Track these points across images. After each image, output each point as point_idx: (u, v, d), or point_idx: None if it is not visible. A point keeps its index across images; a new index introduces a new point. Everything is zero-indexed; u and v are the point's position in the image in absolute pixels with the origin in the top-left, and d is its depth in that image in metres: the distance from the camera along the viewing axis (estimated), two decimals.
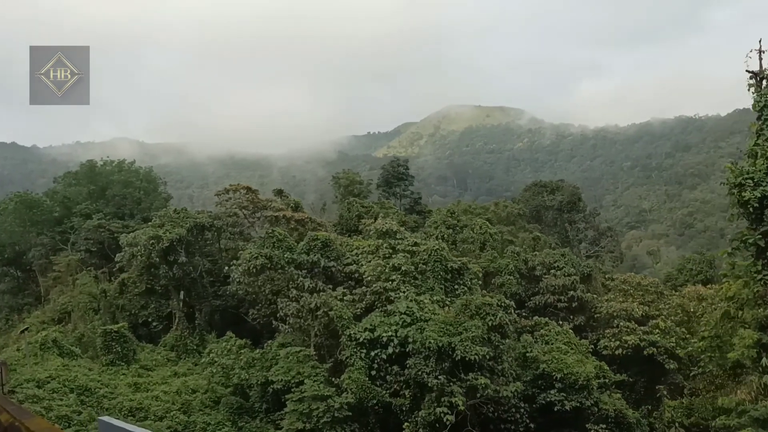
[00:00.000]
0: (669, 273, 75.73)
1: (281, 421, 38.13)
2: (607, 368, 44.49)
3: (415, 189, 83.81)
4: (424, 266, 43.45)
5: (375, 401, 37.02)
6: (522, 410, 38.89)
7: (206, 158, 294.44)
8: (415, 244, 45.37)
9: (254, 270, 44.03)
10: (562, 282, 53.69)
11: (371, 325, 38.76)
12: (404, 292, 40.91)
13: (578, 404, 39.14)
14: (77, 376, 41.16)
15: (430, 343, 35.47)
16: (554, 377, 39.97)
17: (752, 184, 27.45)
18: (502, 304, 39.49)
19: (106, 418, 7.18)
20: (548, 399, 39.65)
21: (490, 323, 37.19)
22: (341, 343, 39.25)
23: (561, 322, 50.19)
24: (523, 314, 51.32)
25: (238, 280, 45.35)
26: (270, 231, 46.64)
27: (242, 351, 42.30)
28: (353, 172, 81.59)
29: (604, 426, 39.53)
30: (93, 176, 76.39)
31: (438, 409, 34.23)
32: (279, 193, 64.15)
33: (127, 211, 72.85)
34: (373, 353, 38.13)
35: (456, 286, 43.95)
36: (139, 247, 52.55)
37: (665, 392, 45.94)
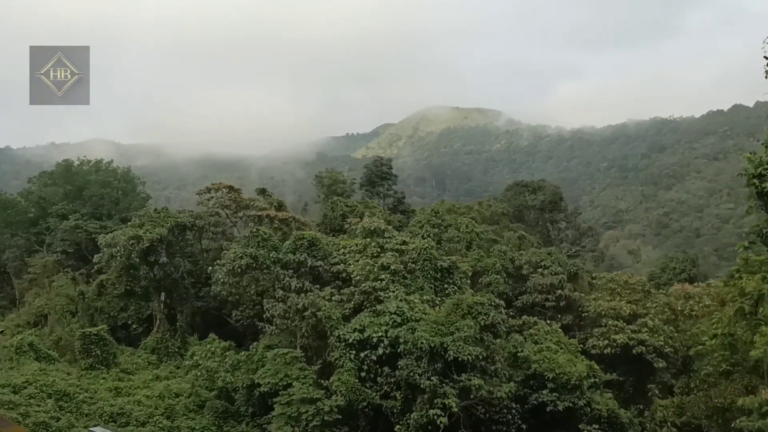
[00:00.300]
0: (652, 272, 75.69)
1: (268, 425, 37.19)
2: (597, 367, 44.03)
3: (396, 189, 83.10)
4: (414, 265, 42.64)
5: (365, 403, 36.15)
6: (514, 411, 38.24)
7: (184, 159, 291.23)
8: (404, 242, 44.55)
9: (239, 270, 42.89)
10: (549, 281, 53.27)
11: (360, 325, 37.86)
12: (394, 291, 40.05)
13: (571, 404, 38.59)
14: (55, 380, 39.81)
15: (422, 343, 34.66)
16: (546, 377, 39.37)
17: None
18: (493, 303, 38.80)
19: (97, 429, 6.28)
20: (540, 399, 39.04)
21: (482, 322, 36.49)
22: (330, 344, 38.32)
23: (549, 322, 49.74)
24: (511, 313, 50.70)
25: (222, 280, 44.15)
26: (254, 230, 45.51)
27: (227, 353, 41.17)
28: (336, 171, 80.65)
29: (596, 426, 39.07)
30: (69, 176, 74.66)
31: (431, 411, 33.46)
32: (262, 192, 63.00)
33: (105, 212, 71.27)
34: (362, 354, 37.23)
35: (446, 286, 43.20)
36: (118, 248, 51.19)
37: (656, 391, 45.59)
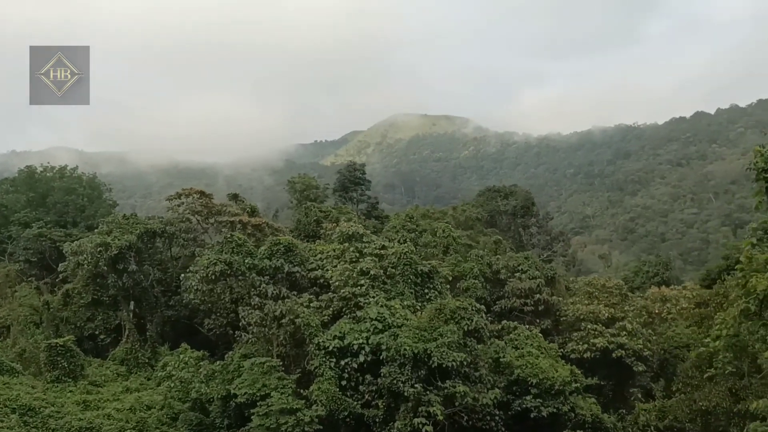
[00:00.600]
0: (625, 275, 75.97)
1: None
2: (579, 372, 43.55)
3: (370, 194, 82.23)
4: (394, 270, 41.74)
5: (346, 413, 35.06)
6: (497, 418, 37.44)
7: (149, 167, 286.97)
8: (383, 247, 43.64)
9: (213, 277, 41.54)
10: (527, 285, 52.74)
11: (340, 332, 36.80)
12: (374, 297, 39.10)
13: (555, 410, 38.01)
14: (19, 394, 37.92)
15: (405, 349, 33.74)
16: (529, 383, 38.77)
17: None
18: (475, 308, 38.06)
19: None
20: (524, 405, 38.40)
21: (465, 328, 35.71)
22: (309, 352, 37.16)
23: (528, 326, 49.22)
24: (489, 318, 49.95)
25: (195, 287, 42.69)
26: (228, 235, 44.16)
27: (201, 363, 39.74)
28: (309, 176, 79.39)
29: None
30: (32, 183, 72.35)
31: (415, 420, 32.53)
32: (234, 197, 61.47)
33: (70, 219, 69.15)
34: (343, 362, 36.18)
35: (426, 291, 42.37)
36: (85, 256, 49.37)
37: (639, 395, 45.27)
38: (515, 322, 48.73)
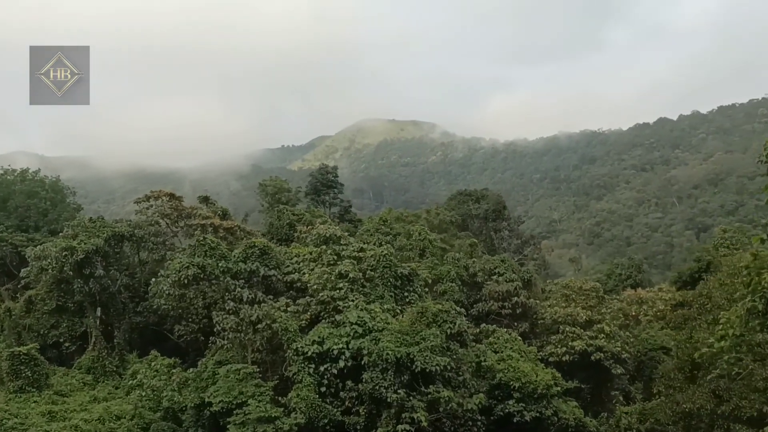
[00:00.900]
0: (598, 278, 76.03)
1: None
2: (559, 375, 43.02)
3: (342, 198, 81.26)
4: (373, 273, 40.75)
5: (326, 420, 33.95)
6: (479, 423, 36.63)
7: (113, 172, 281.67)
8: (361, 249, 42.63)
9: (185, 281, 40.04)
10: (505, 288, 52.15)
11: (319, 337, 35.70)
12: (353, 300, 38.03)
13: (538, 414, 37.34)
14: None
15: (387, 354, 32.77)
16: (512, 387, 38.03)
17: None
18: (457, 311, 37.27)
19: None
20: (507, 410, 37.61)
21: (448, 331, 34.88)
22: (287, 358, 35.91)
23: (507, 330, 48.60)
24: (467, 322, 49.36)
25: (166, 292, 41.13)
26: (201, 238, 42.70)
27: (173, 371, 38.22)
28: (281, 179, 77.99)
29: None
30: None
31: (399, 426, 31.57)
32: (205, 200, 59.87)
33: (32, 224, 66.63)
34: (322, 368, 35.09)
35: (406, 294, 41.48)
36: (49, 260, 47.42)
37: (621, 397, 44.90)
38: (494, 326, 48.10)
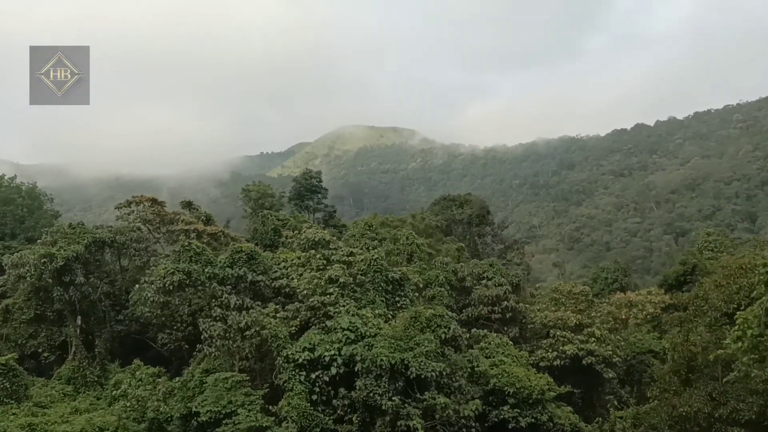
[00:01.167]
0: (584, 282, 75.71)
1: None
2: (552, 380, 42.39)
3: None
4: (363, 277, 39.83)
5: (318, 429, 32.89)
6: (474, 430, 35.83)
7: (89, 180, 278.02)
8: (351, 254, 41.73)
9: (170, 287, 38.82)
10: (494, 292, 51.51)
11: (310, 343, 34.70)
12: (344, 306, 37.08)
13: (533, 420, 36.62)
14: None
15: (381, 360, 31.89)
16: (506, 392, 37.27)
17: None
18: (450, 316, 36.51)
19: None
20: (501, 416, 36.81)
21: (442, 336, 34.10)
22: (277, 365, 34.83)
23: (497, 334, 47.95)
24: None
25: (151, 299, 39.90)
26: (186, 243, 41.53)
27: (158, 380, 37.00)
28: (264, 184, 76.91)
29: None
30: None
31: None
32: (188, 205, 58.63)
33: (8, 231, 65.02)
34: (313, 375, 34.05)
35: (397, 298, 40.63)
36: (27, 268, 45.96)
37: (615, 402, 44.35)
38: (484, 330, 47.40)
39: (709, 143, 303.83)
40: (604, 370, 48.01)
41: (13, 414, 37.65)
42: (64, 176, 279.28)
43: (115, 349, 50.23)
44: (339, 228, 72.48)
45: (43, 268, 45.73)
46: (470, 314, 51.78)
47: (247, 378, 34.68)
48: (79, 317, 48.66)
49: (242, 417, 31.90)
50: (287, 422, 32.18)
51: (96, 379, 45.98)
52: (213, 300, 38.94)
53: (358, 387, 32.60)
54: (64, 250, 46.44)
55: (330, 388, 34.05)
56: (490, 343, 44.34)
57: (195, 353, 41.69)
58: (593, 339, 48.73)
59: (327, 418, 33.37)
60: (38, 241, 51.30)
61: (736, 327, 17.43)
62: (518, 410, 36.72)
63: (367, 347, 33.39)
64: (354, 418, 32.99)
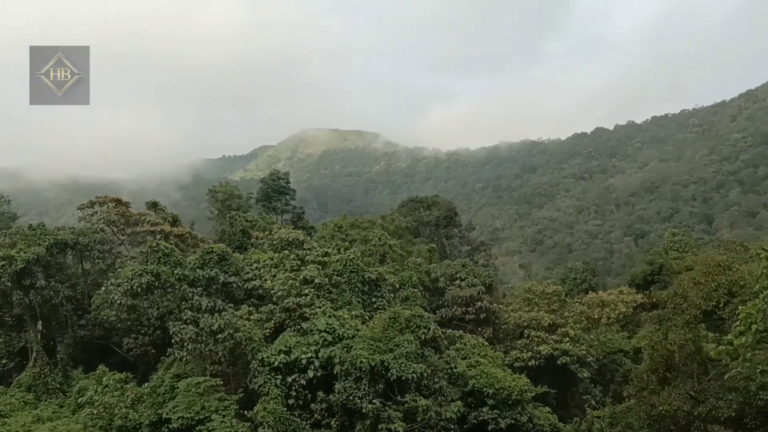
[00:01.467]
0: (554, 283, 75.87)
1: None
2: (528, 381, 42.00)
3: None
4: (339, 278, 38.90)
5: None
6: None
7: (46, 183, 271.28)
8: (326, 254, 40.76)
9: (138, 290, 37.35)
10: (468, 293, 51.06)
11: (286, 346, 33.63)
12: (320, 307, 36.09)
13: (513, 421, 36.12)
14: None
15: (361, 362, 31.00)
16: (485, 393, 36.69)
17: None
18: (428, 317, 35.80)
19: None
20: (481, 417, 36.20)
21: (422, 337, 33.36)
22: (252, 369, 33.68)
23: (472, 335, 47.48)
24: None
25: (118, 302, 38.35)
26: (154, 244, 40.07)
27: (126, 386, 35.51)
28: (231, 185, 75.38)
29: None
30: None
31: None
32: (153, 206, 56.95)
33: None
34: (290, 379, 32.98)
35: (374, 299, 39.83)
36: None
37: (593, 402, 44.14)
38: (459, 331, 46.88)
39: (667, 147, 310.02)
40: (579, 369, 47.88)
41: None
42: (18, 180, 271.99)
43: (77, 355, 48.32)
44: (308, 230, 71.30)
45: (1, 271, 43.73)
46: (444, 315, 51.22)
47: (221, 383, 33.45)
48: (39, 322, 46.65)
49: (216, 423, 30.72)
50: (263, 428, 31.08)
51: (58, 386, 44.08)
52: (183, 302, 37.61)
53: (336, 390, 31.67)
54: (24, 253, 44.51)
55: (307, 391, 33.05)
56: (465, 344, 43.84)
57: (163, 358, 40.27)
58: (567, 339, 48.58)
59: (304, 423, 32.36)
60: None
61: (739, 322, 17.09)
62: (498, 411, 36.18)
63: (345, 349, 32.49)
64: (333, 423, 32.03)
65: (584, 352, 48.23)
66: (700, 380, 34.89)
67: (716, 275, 33.00)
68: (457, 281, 52.76)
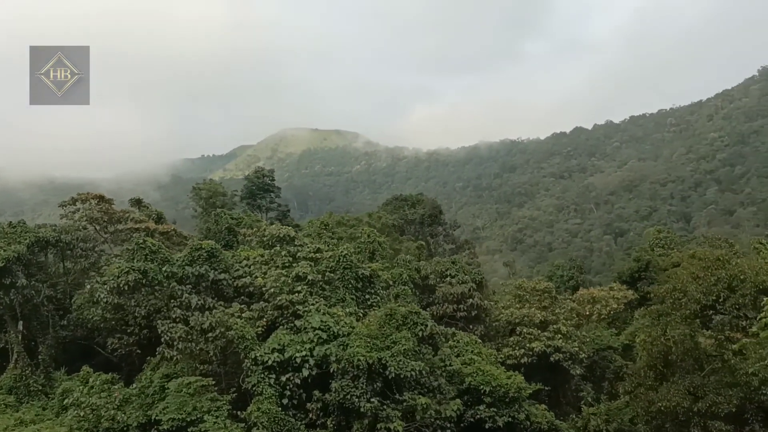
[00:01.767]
0: (541, 280, 75.62)
1: None
2: (523, 378, 41.47)
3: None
4: (332, 275, 38.07)
5: None
6: (448, 431, 34.45)
7: (21, 183, 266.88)
8: (318, 250, 39.91)
9: (125, 287, 36.21)
10: (459, 290, 50.48)
11: (279, 344, 32.74)
12: (313, 304, 35.21)
13: (510, 419, 35.49)
14: None
15: (358, 360, 30.20)
16: (482, 391, 36.04)
17: None
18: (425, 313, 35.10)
19: None
20: (478, 416, 35.52)
21: (420, 334, 32.65)
22: (244, 368, 32.72)
23: (464, 333, 46.90)
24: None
25: (104, 300, 37.18)
26: (141, 241, 38.92)
27: (113, 387, 34.39)
28: (216, 183, 74.19)
29: None
30: None
31: None
32: (137, 203, 55.68)
33: None
34: (284, 378, 32.10)
35: (367, 296, 39.05)
36: None
37: (589, 399, 43.76)
38: (452, 329, 46.28)
39: (645, 146, 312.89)
40: (571, 366, 47.53)
41: None
42: None
43: (59, 356, 47.02)
44: (293, 228, 70.35)
45: None
46: (435, 313, 50.50)
47: (213, 382, 32.47)
48: (20, 322, 45.27)
49: (209, 424, 29.77)
50: (257, 428, 30.21)
51: (40, 388, 42.76)
52: (172, 300, 36.53)
53: (333, 389, 30.84)
54: (4, 251, 43.11)
55: (302, 391, 32.20)
56: (458, 342, 43.26)
57: (149, 358, 39.17)
58: (559, 335, 48.23)
59: (299, 423, 31.52)
60: None
61: (763, 313, 16.58)
62: (495, 409, 35.53)
63: (341, 347, 31.70)
64: (328, 422, 31.20)
65: (577, 349, 47.89)
66: (700, 376, 34.64)
67: (715, 269, 32.67)
68: (448, 278, 52.14)
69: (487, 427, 35.42)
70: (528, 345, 47.33)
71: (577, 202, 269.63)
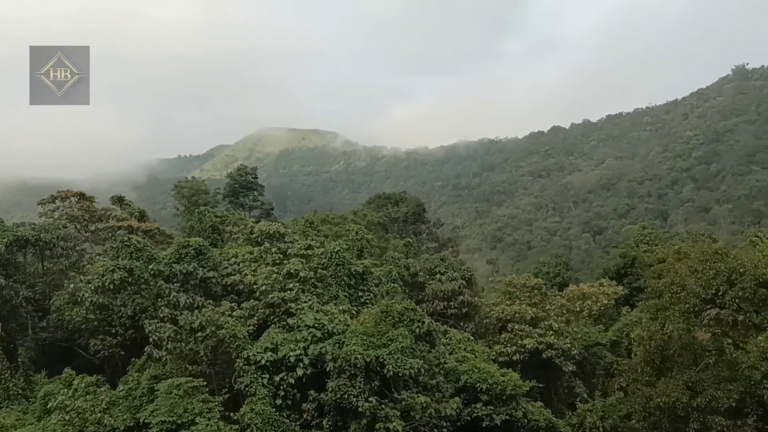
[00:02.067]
0: (530, 276, 75.38)
1: None
2: (518, 375, 40.91)
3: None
4: (324, 272, 37.17)
5: None
6: (445, 430, 33.74)
7: None
8: (309, 247, 38.98)
9: (111, 286, 35.01)
10: (450, 287, 49.83)
11: (272, 343, 31.77)
12: (306, 302, 34.29)
13: (508, 417, 34.86)
14: None
15: (355, 358, 29.35)
16: (479, 389, 35.38)
17: None
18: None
19: None
20: (474, 414, 34.84)
21: (417, 331, 31.90)
22: (236, 368, 31.71)
23: (456, 330, 46.27)
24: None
25: (89, 299, 35.92)
26: (125, 238, 37.69)
27: (99, 390, 33.17)
28: (198, 181, 72.85)
29: None
30: None
31: None
32: (119, 200, 54.30)
33: None
34: (277, 378, 31.14)
35: (360, 293, 38.22)
36: None
37: (584, 395, 43.34)
38: (444, 326, 45.59)
39: (622, 145, 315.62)
40: (564, 363, 47.14)
41: None
42: None
43: (39, 359, 45.51)
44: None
45: None
46: (425, 310, 49.70)
47: (204, 383, 31.42)
48: None
49: (202, 426, 28.71)
50: (251, 430, 29.23)
51: (20, 391, 41.13)
52: (159, 299, 35.38)
53: (329, 389, 29.96)
54: None
55: (296, 391, 31.28)
56: (451, 339, 42.58)
57: (133, 360, 37.98)
58: (551, 332, 47.83)
59: (294, 424, 30.59)
60: None
61: None
62: (492, 407, 34.87)
63: (337, 345, 30.84)
64: (324, 423, 30.31)
65: (569, 345, 47.53)
66: (698, 371, 34.34)
67: (714, 263, 32.34)
68: (437, 275, 51.54)
69: (484, 425, 34.78)
70: (520, 342, 46.83)
71: (556, 201, 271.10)
